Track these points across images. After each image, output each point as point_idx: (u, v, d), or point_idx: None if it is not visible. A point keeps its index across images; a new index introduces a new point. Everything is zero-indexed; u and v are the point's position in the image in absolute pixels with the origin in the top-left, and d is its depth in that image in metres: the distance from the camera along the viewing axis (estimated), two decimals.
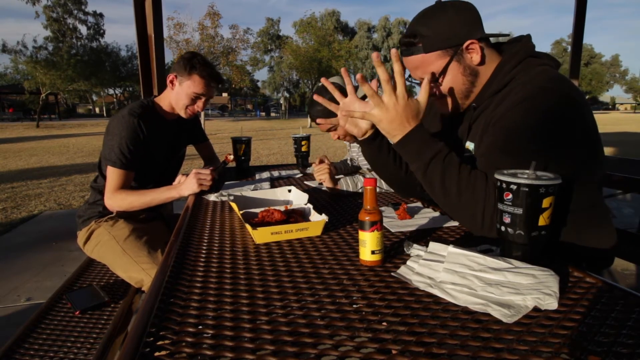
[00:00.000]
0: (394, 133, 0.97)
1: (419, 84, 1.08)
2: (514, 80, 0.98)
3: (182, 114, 1.69)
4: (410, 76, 1.09)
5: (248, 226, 1.01)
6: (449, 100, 1.07)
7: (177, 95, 1.65)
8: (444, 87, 1.04)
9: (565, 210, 0.94)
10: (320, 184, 1.61)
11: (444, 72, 1.01)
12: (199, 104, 1.68)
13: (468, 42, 0.98)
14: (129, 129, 1.54)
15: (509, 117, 0.92)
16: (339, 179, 1.57)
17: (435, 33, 0.98)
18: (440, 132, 1.20)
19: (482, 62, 1.01)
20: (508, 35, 1.07)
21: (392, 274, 0.80)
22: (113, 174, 1.55)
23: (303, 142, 2.15)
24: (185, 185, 1.50)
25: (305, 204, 1.25)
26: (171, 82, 1.65)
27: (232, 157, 1.70)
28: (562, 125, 0.88)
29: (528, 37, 1.05)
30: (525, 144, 0.89)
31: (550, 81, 0.92)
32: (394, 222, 1.14)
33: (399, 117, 0.94)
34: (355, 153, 2.05)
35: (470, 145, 1.07)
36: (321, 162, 1.77)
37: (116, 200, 1.56)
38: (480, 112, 1.05)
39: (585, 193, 0.95)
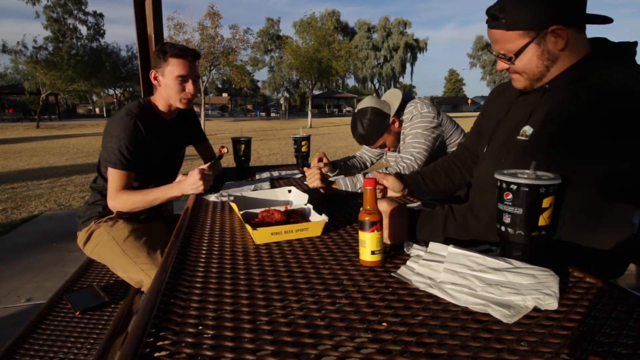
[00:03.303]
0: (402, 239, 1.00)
1: (498, 57, 1.06)
2: (591, 76, 0.95)
3: (178, 104, 1.66)
4: (490, 45, 1.08)
5: (248, 226, 1.01)
6: (522, 78, 1.05)
7: (165, 87, 1.63)
8: (517, 67, 1.02)
9: (574, 212, 0.93)
10: None
11: (519, 52, 0.99)
12: (189, 86, 1.63)
13: (554, 27, 0.94)
14: (127, 129, 1.54)
15: (566, 120, 0.92)
16: (337, 178, 1.57)
17: (522, 12, 0.94)
18: (501, 113, 1.20)
19: (564, 48, 0.97)
20: (611, 20, 0.99)
21: (392, 274, 0.80)
22: (114, 176, 1.55)
23: (303, 143, 2.15)
24: (189, 185, 1.49)
25: (305, 204, 1.25)
26: (155, 78, 1.64)
27: (225, 149, 1.67)
28: (609, 138, 0.87)
29: (634, 43, 1.01)
30: (568, 151, 0.89)
31: (621, 90, 0.90)
32: None
33: (389, 233, 0.97)
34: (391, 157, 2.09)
35: (528, 130, 1.04)
36: (319, 160, 1.78)
37: (119, 201, 1.56)
38: (548, 97, 1.03)
39: (599, 196, 0.94)
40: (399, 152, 1.89)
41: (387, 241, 0.95)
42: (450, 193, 1.46)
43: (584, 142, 0.88)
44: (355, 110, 1.88)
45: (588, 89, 0.93)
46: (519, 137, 1.06)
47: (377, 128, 1.79)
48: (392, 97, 1.87)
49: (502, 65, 1.06)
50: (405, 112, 1.82)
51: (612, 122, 0.87)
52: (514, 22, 0.96)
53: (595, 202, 0.93)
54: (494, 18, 0.99)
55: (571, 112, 0.92)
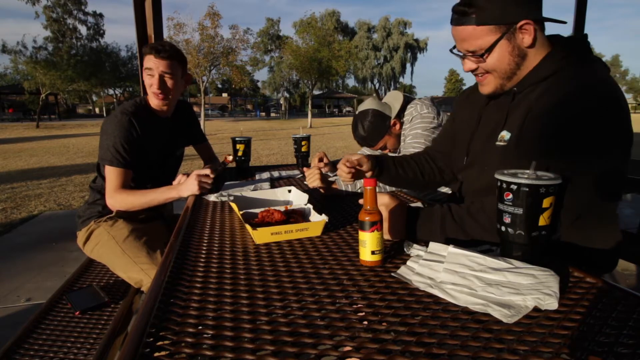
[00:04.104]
0: (399, 237, 1.00)
1: (466, 57, 1.04)
2: (560, 72, 0.95)
3: (151, 98, 1.68)
4: (454, 47, 1.05)
5: (248, 226, 1.01)
6: (491, 78, 1.04)
7: (144, 82, 1.67)
8: (488, 64, 1.00)
9: (573, 211, 0.93)
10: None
11: (490, 49, 0.97)
12: (153, 80, 1.63)
13: (523, 21, 0.94)
14: (122, 127, 1.55)
15: (549, 119, 0.91)
16: (337, 178, 1.57)
17: (492, 6, 0.94)
18: (472, 120, 1.19)
19: (532, 44, 0.97)
20: (565, 22, 1.01)
21: (392, 274, 0.80)
22: (111, 174, 1.55)
23: (303, 143, 2.15)
24: (186, 186, 1.51)
25: (305, 204, 1.25)
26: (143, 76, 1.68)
27: (231, 157, 1.70)
28: (600, 130, 0.87)
29: (584, 35, 1.02)
30: (564, 150, 0.88)
31: (598, 81, 0.91)
32: None
33: (387, 229, 0.97)
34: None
35: (506, 134, 1.04)
36: (320, 160, 1.79)
37: (117, 200, 1.56)
38: (519, 99, 1.02)
39: (596, 195, 0.93)
40: (399, 153, 1.90)
41: (385, 234, 0.95)
42: (418, 189, 1.42)
43: (570, 139, 0.88)
44: (356, 112, 1.88)
45: (561, 85, 0.93)
46: (497, 143, 1.06)
47: (377, 130, 1.80)
48: (393, 99, 1.87)
49: (470, 65, 1.04)
50: (405, 113, 1.83)
51: (594, 115, 0.87)
52: (485, 17, 0.95)
53: (585, 199, 0.91)
54: (462, 14, 0.97)
55: (550, 110, 0.92)
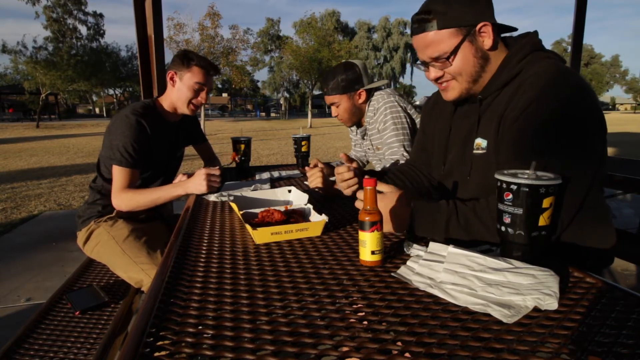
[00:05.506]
0: (401, 229, 0.98)
1: (430, 65, 1.05)
2: (523, 72, 0.97)
3: (185, 109, 1.68)
4: (417, 60, 1.07)
5: (248, 226, 1.01)
6: (456, 84, 1.04)
7: (179, 91, 1.65)
8: (454, 67, 1.01)
9: (567, 209, 0.94)
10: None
11: (455, 51, 0.99)
12: (202, 95, 1.68)
13: (482, 24, 0.97)
14: (132, 128, 1.54)
15: (526, 119, 0.91)
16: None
17: (451, 10, 0.96)
18: (444, 130, 1.20)
19: (493, 47, 0.99)
20: (517, 29, 1.04)
21: (392, 274, 0.80)
22: (119, 174, 1.55)
23: (303, 143, 2.15)
24: (194, 185, 1.49)
25: (305, 204, 1.25)
26: (171, 78, 1.65)
27: (237, 158, 1.71)
28: (578, 120, 0.87)
29: (535, 32, 1.04)
30: (546, 148, 0.89)
31: (560, 73, 0.92)
32: None
33: (390, 220, 0.96)
34: (360, 146, 2.10)
35: (482, 142, 1.05)
36: (315, 166, 1.79)
37: (123, 199, 1.55)
38: (487, 105, 1.04)
39: (587, 192, 0.94)
40: (376, 149, 1.91)
41: (386, 225, 0.95)
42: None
43: (553, 136, 0.88)
44: (345, 60, 1.90)
45: (528, 85, 0.93)
46: (475, 152, 1.06)
47: (344, 84, 1.80)
48: (379, 81, 1.89)
49: (435, 73, 1.05)
50: (372, 99, 1.84)
51: (569, 107, 0.87)
52: (445, 20, 0.97)
53: (578, 195, 0.91)
54: (423, 21, 0.99)
55: (524, 112, 0.92)
